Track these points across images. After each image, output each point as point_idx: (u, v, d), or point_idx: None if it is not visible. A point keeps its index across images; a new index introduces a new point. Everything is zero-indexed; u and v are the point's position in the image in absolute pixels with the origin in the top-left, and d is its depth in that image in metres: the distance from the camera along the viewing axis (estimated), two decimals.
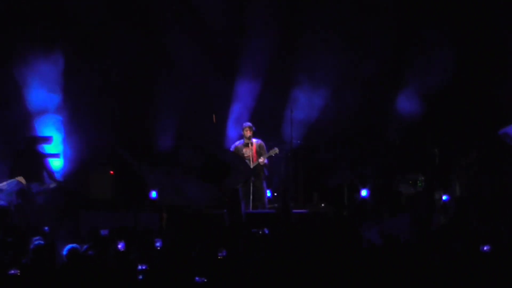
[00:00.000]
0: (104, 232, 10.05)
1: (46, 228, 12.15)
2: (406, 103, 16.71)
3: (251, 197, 14.47)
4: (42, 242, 9.69)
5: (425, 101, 16.56)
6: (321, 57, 16.83)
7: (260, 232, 10.98)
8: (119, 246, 9.69)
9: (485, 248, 9.41)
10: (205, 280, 8.48)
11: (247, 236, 10.99)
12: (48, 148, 15.89)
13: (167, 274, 8.69)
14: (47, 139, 16.03)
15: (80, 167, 15.75)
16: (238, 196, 14.65)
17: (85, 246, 9.79)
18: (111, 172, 15.79)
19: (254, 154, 14.57)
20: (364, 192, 15.86)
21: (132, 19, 16.82)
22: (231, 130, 16.72)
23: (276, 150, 14.69)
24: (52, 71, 16.32)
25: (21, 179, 14.05)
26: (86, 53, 16.49)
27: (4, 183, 14.08)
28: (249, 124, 14.75)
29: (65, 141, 16.27)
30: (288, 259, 8.88)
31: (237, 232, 11.89)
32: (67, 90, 16.43)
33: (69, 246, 9.59)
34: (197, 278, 8.55)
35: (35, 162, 15.08)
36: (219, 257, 8.99)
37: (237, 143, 14.84)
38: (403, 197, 15.81)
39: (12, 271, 8.52)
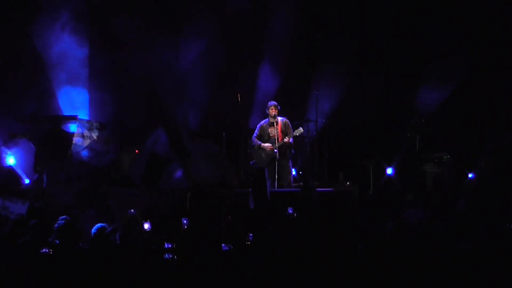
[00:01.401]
0: (131, 212, 10.10)
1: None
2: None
3: (276, 176, 14.44)
4: (64, 221, 9.77)
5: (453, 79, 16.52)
6: (345, 38, 16.83)
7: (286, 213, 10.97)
8: (146, 226, 9.75)
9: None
10: (232, 247, 8.55)
11: (272, 216, 10.99)
12: (73, 127, 15.98)
13: (193, 252, 8.75)
14: (73, 118, 16.11)
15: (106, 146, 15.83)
16: (264, 175, 14.70)
17: (111, 226, 9.87)
18: (137, 151, 15.82)
19: (280, 133, 14.54)
20: (389, 171, 15.81)
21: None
22: (256, 110, 16.73)
23: (301, 129, 14.62)
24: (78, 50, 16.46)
25: None
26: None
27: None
28: (274, 103, 14.67)
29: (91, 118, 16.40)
30: (311, 239, 8.88)
31: (262, 212, 11.91)
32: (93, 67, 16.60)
33: (97, 225, 9.68)
34: (223, 246, 8.62)
35: (61, 141, 15.18)
36: (246, 243, 9.00)
37: (262, 122, 14.81)
38: (428, 176, 15.74)
39: (44, 250, 8.62)
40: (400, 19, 16.82)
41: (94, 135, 15.05)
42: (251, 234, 8.99)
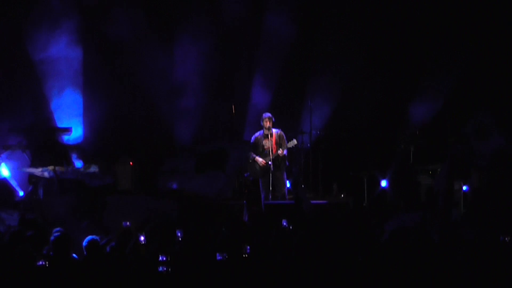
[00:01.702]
0: (125, 224, 10.07)
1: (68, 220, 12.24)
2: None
3: (270, 188, 14.44)
4: (60, 233, 9.72)
5: (446, 91, 16.56)
6: (339, 50, 16.88)
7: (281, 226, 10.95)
8: (140, 238, 9.72)
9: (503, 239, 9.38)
10: (226, 257, 8.52)
11: (267, 229, 10.97)
12: (67, 139, 15.98)
13: (188, 264, 8.72)
14: (67, 130, 16.10)
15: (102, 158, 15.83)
16: (258, 187, 14.69)
17: (105, 239, 9.84)
18: (131, 163, 15.81)
19: (274, 145, 14.54)
20: (383, 183, 15.82)
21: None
22: (250, 121, 16.74)
23: (295, 141, 14.64)
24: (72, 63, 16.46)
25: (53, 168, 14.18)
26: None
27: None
28: (268, 114, 14.68)
29: (85, 130, 16.40)
30: (305, 251, 8.86)
31: (257, 224, 11.90)
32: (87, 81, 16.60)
33: (89, 237, 9.64)
34: (218, 255, 8.59)
35: (55, 153, 15.16)
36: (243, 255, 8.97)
37: (257, 134, 14.81)
38: (422, 188, 15.75)
39: (40, 262, 8.58)
40: (394, 30, 16.86)
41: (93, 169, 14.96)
42: (248, 247, 8.97)
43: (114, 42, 16.74)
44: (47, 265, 8.54)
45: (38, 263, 8.56)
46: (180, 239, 10.27)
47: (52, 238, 9.52)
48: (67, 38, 16.41)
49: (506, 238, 9.22)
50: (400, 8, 16.81)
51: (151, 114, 17.22)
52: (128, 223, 10.07)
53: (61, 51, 16.45)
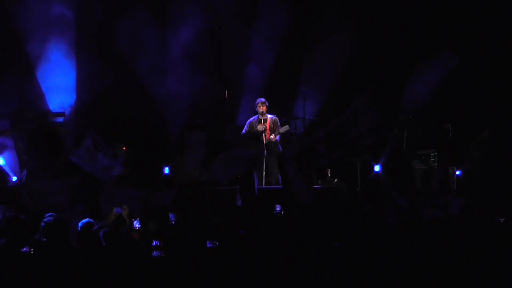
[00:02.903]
0: (118, 210, 10.04)
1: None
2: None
3: (263, 173, 14.45)
4: (52, 218, 9.70)
5: (440, 77, 16.58)
6: (333, 34, 16.86)
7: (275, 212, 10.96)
8: (135, 224, 9.71)
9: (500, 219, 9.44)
10: (217, 244, 8.53)
11: (260, 214, 10.98)
12: (60, 123, 15.90)
13: (181, 248, 8.73)
14: (60, 115, 16.02)
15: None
16: (252, 172, 14.69)
17: (97, 224, 9.82)
18: (124, 148, 15.75)
19: (268, 131, 14.54)
20: (377, 168, 15.84)
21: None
22: (244, 106, 16.70)
23: (287, 127, 14.69)
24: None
25: None
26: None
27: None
28: (262, 99, 14.71)
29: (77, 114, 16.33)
30: (300, 236, 8.87)
31: (250, 209, 11.90)
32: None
33: (84, 220, 9.63)
34: (208, 243, 8.60)
35: (49, 137, 15.07)
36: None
37: (251, 118, 14.82)
38: (416, 172, 15.78)
39: (24, 249, 8.54)
40: (389, 16, 16.83)
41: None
42: (242, 231, 8.99)
43: (105, 26, 16.64)
44: (31, 252, 8.50)
45: (22, 250, 8.53)
46: (173, 222, 10.28)
47: (42, 223, 9.50)
48: (58, 18, 16.31)
49: (501, 219, 9.30)
50: None
51: (143, 98, 17.12)
52: (120, 209, 10.04)
53: (52, 29, 16.34)
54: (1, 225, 9.80)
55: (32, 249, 8.54)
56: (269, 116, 14.69)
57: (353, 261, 8.11)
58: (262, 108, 14.63)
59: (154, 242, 8.88)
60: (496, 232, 9.16)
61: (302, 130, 16.34)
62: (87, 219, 9.71)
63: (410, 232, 8.92)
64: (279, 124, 14.71)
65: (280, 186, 14.24)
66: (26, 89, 16.23)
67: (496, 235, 9.00)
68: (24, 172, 14.21)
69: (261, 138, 14.52)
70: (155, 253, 8.61)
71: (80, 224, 9.62)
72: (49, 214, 10.05)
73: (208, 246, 8.67)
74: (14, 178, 14.32)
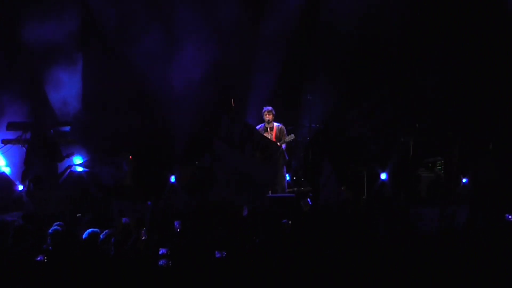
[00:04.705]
0: (125, 220, 10.06)
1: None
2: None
3: None
4: (59, 228, 9.72)
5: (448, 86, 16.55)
6: (338, 42, 16.85)
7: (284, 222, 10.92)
8: (141, 234, 9.71)
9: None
10: (225, 254, 8.52)
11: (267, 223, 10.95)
12: (66, 134, 15.93)
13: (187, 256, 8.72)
14: (67, 124, 16.05)
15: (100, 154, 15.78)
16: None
17: (105, 232, 9.82)
18: (130, 157, 15.78)
19: (274, 139, 14.55)
20: (383, 176, 15.80)
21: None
22: (250, 115, 16.71)
23: (293, 136, 14.72)
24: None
25: None
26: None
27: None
28: (269, 108, 14.74)
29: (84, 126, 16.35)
30: (306, 245, 8.85)
31: (257, 218, 11.86)
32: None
33: (89, 230, 9.64)
34: (217, 253, 8.59)
35: (52, 148, 15.07)
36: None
37: (258, 127, 14.81)
38: (422, 180, 15.73)
39: (39, 258, 8.57)
40: (395, 22, 16.79)
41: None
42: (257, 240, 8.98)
43: (111, 36, 16.69)
44: (45, 260, 8.53)
45: (37, 259, 8.55)
46: (178, 230, 10.26)
47: (50, 231, 9.52)
48: (66, 27, 16.36)
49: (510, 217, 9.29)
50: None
51: (149, 108, 17.15)
52: (127, 219, 10.06)
53: (60, 39, 16.39)
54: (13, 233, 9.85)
55: (46, 258, 8.58)
56: (275, 124, 14.71)
57: (358, 269, 8.10)
58: (268, 117, 14.66)
59: (161, 251, 8.86)
60: (505, 231, 9.15)
61: (307, 138, 16.36)
62: (91, 229, 9.72)
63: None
64: (285, 132, 14.71)
65: (287, 195, 14.23)
66: (33, 99, 16.30)
67: (505, 234, 8.98)
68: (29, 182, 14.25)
69: None
70: (161, 262, 8.61)
71: (85, 234, 9.63)
72: (57, 223, 10.09)
73: (216, 256, 8.67)
74: (21, 187, 14.33)
